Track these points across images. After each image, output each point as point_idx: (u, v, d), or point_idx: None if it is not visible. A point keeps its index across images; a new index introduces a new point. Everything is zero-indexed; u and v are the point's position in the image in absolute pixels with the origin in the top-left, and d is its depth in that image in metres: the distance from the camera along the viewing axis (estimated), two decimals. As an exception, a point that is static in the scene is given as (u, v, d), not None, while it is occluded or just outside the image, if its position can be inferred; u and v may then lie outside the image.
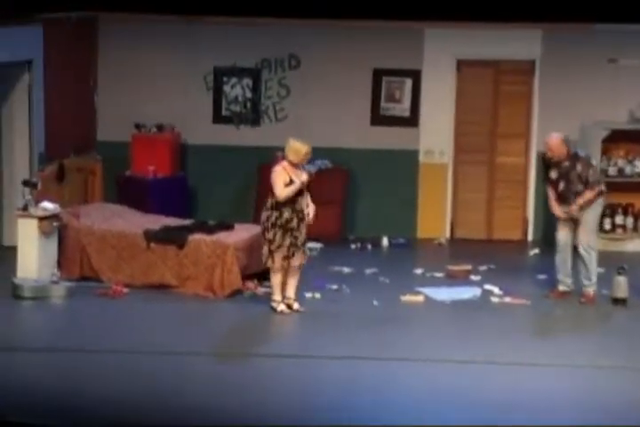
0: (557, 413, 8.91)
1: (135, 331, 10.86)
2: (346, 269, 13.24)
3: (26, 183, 12.47)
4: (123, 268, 12.40)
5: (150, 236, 12.40)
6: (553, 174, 11.99)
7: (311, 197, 11.59)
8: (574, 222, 11.95)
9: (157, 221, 12.89)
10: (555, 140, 11.94)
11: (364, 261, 13.65)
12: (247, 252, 12.27)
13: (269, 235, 11.43)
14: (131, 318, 11.35)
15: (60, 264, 12.39)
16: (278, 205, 11.39)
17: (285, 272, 11.54)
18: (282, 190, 11.31)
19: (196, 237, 12.32)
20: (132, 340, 10.55)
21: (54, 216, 12.33)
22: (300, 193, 11.43)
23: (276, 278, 11.52)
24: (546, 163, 12.10)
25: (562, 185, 11.95)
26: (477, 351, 10.42)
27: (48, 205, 12.33)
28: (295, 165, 11.42)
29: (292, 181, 11.33)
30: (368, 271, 13.25)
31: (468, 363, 10.10)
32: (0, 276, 12.24)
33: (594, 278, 12.00)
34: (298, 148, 11.39)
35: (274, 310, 11.52)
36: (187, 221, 13.06)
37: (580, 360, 10.24)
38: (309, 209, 11.53)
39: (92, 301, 11.83)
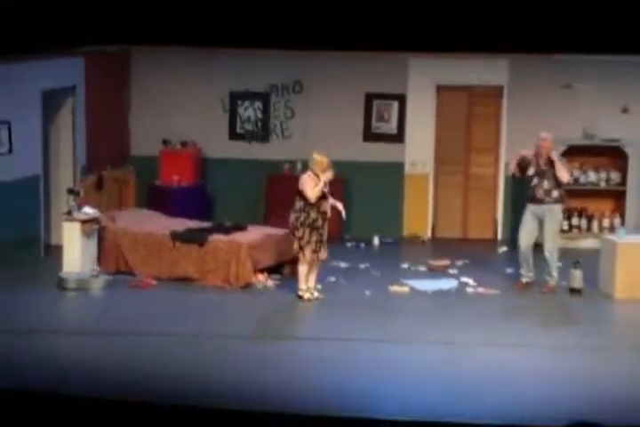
0: (525, 386, 8.94)
1: (164, 317, 10.86)
2: (343, 264, 13.21)
3: (70, 191, 12.49)
4: (152, 263, 12.38)
5: (175, 236, 12.40)
6: (530, 171, 11.95)
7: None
8: (540, 225, 11.96)
9: (181, 224, 12.89)
10: (548, 142, 11.87)
11: (358, 257, 13.64)
12: (258, 249, 12.27)
13: (299, 233, 11.47)
14: (160, 305, 11.34)
15: (99, 260, 12.39)
16: (306, 207, 11.45)
17: (311, 265, 11.57)
18: (312, 192, 11.38)
19: (215, 237, 12.32)
20: (161, 324, 10.56)
21: (94, 220, 12.35)
22: (323, 197, 11.51)
23: (303, 270, 11.53)
24: (523, 165, 12.00)
25: (535, 181, 11.92)
26: (455, 333, 10.45)
27: (89, 210, 12.33)
28: (318, 175, 11.49)
29: (317, 186, 11.42)
30: (361, 266, 13.23)
31: (447, 343, 10.12)
32: (48, 270, 12.28)
33: (554, 274, 12.02)
34: (320, 160, 11.49)
35: (300, 297, 11.52)
36: (206, 224, 13.05)
37: (543, 340, 10.27)
38: (338, 204, 11.59)
39: (126, 291, 11.83)
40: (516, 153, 12.32)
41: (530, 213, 12.03)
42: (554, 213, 11.96)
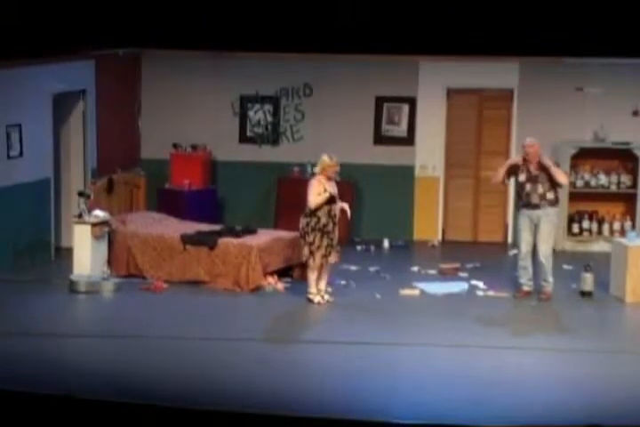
0: (537, 390, 8.92)
1: (175, 320, 10.88)
2: (353, 267, 13.18)
3: (81, 194, 12.52)
4: (163, 266, 12.39)
5: (186, 239, 12.41)
6: (521, 178, 11.85)
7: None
8: (535, 230, 11.81)
9: (192, 227, 12.90)
10: (532, 140, 11.83)
11: (368, 261, 13.61)
12: (268, 252, 12.27)
13: (310, 238, 11.45)
14: (171, 309, 11.35)
15: (109, 263, 12.42)
16: (316, 212, 11.42)
17: (320, 269, 11.56)
18: (314, 199, 11.38)
19: (225, 240, 12.33)
20: (172, 327, 10.57)
21: (105, 222, 12.39)
22: (333, 201, 11.50)
23: (313, 274, 11.53)
24: (516, 168, 11.90)
25: (528, 187, 11.80)
26: (466, 337, 10.43)
27: (99, 213, 12.38)
28: (329, 178, 11.49)
29: (326, 191, 11.40)
30: (371, 269, 13.21)
31: (458, 347, 10.12)
32: (59, 273, 12.32)
33: (550, 279, 11.82)
34: (329, 163, 11.49)
35: (311, 301, 11.52)
36: (217, 227, 13.05)
37: (553, 344, 10.25)
38: (345, 205, 11.58)
39: (136, 294, 11.84)
40: (504, 162, 12.24)
41: (526, 218, 11.86)
42: (549, 217, 11.82)
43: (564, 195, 14.22)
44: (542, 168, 11.78)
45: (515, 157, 12.12)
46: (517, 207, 12.30)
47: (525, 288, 11.99)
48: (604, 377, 9.32)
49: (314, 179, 11.58)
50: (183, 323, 10.75)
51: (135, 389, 8.70)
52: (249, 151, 15.20)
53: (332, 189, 11.54)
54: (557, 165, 12.15)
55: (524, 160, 11.89)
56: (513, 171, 11.95)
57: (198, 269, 12.27)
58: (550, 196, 11.83)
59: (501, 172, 12.02)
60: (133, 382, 8.89)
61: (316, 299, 11.53)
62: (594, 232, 14.53)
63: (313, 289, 11.56)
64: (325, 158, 11.55)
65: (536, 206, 11.80)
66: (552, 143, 14.44)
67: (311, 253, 11.48)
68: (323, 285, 11.68)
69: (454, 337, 10.40)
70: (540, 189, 11.79)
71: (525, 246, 11.88)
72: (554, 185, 11.83)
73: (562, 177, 11.84)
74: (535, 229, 11.84)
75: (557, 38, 13.38)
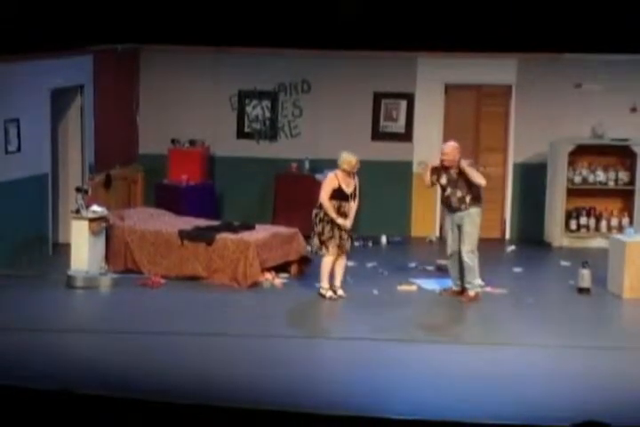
0: (533, 386, 8.92)
1: (173, 315, 10.88)
2: (350, 264, 13.02)
3: (78, 190, 12.52)
4: (160, 262, 12.39)
5: (184, 234, 12.41)
6: (442, 181, 11.69)
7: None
8: (459, 230, 11.62)
9: (190, 222, 12.89)
10: (450, 146, 11.69)
11: (366, 257, 13.58)
12: (266, 248, 12.27)
13: (318, 228, 11.46)
14: (168, 304, 11.35)
15: (107, 258, 12.41)
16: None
17: (333, 263, 11.52)
18: (326, 197, 11.40)
19: (223, 235, 12.32)
20: (170, 323, 10.57)
21: (102, 218, 12.38)
22: (345, 199, 11.49)
23: (326, 267, 11.50)
24: (438, 170, 11.76)
25: (448, 190, 11.65)
26: (462, 333, 10.48)
27: (97, 209, 12.37)
28: (347, 174, 11.46)
29: (340, 188, 11.39)
30: (369, 265, 13.21)
31: (454, 343, 10.14)
32: (56, 268, 12.31)
33: (476, 282, 11.63)
34: (348, 159, 11.47)
35: (323, 296, 11.50)
36: (214, 222, 13.05)
37: (549, 340, 10.26)
38: (354, 202, 11.56)
39: (134, 290, 11.83)
40: (427, 166, 11.86)
41: (450, 221, 11.77)
42: (472, 217, 11.61)
43: (562, 191, 14.27)
44: (462, 172, 11.59)
45: (435, 162, 11.90)
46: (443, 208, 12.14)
47: (454, 288, 11.82)
48: (602, 374, 9.33)
49: (331, 173, 11.58)
50: (180, 318, 10.75)
51: (133, 384, 8.69)
52: (247, 147, 15.19)
53: (348, 186, 11.52)
54: (474, 164, 11.85)
55: (443, 166, 11.70)
56: (438, 173, 11.77)
57: (196, 264, 12.27)
58: (469, 199, 11.59)
59: (427, 177, 11.80)
60: (131, 377, 8.88)
61: (328, 294, 11.50)
62: (591, 228, 14.54)
63: (325, 284, 11.54)
64: (345, 155, 11.52)
65: (457, 209, 11.63)
66: (550, 140, 14.47)
67: (322, 242, 11.44)
68: (338, 281, 11.63)
69: (451, 334, 10.41)
70: (459, 193, 11.57)
71: (450, 247, 11.74)
72: (473, 187, 11.58)
73: (478, 178, 11.56)
74: (459, 230, 11.66)
75: (556, 34, 13.40)
